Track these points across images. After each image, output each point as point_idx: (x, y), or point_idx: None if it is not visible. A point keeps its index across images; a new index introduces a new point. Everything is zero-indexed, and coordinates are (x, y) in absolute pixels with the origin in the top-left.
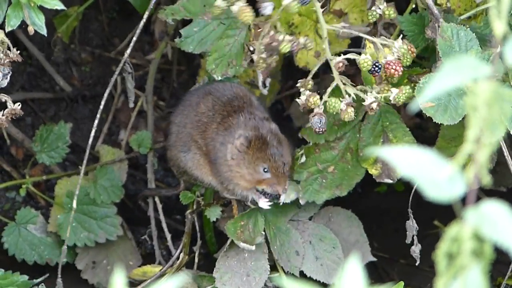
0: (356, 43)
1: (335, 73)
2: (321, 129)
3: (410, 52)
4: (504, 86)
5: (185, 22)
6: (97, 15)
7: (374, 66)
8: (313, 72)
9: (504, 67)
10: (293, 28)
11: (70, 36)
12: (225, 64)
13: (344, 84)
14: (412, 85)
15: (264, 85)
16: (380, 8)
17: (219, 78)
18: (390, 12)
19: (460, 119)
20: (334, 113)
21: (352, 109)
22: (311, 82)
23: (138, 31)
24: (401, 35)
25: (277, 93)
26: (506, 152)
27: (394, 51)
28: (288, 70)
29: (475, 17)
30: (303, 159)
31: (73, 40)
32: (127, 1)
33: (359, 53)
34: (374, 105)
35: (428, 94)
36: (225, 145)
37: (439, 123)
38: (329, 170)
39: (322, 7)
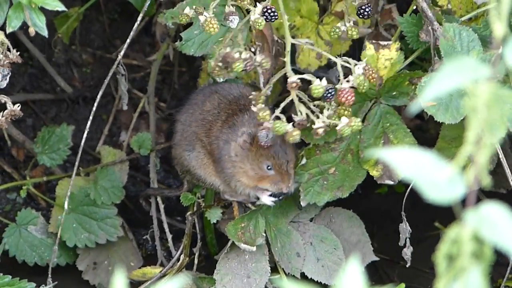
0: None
1: (292, 91)
2: (266, 144)
3: (369, 78)
4: (504, 87)
5: (186, 24)
6: (98, 16)
7: (326, 92)
8: (269, 85)
9: (505, 68)
10: (294, 30)
11: (70, 37)
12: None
13: (299, 100)
14: (413, 87)
15: (267, 86)
16: (345, 26)
17: (221, 80)
18: (353, 32)
19: (462, 118)
20: (280, 133)
21: (298, 132)
22: (263, 96)
23: (133, 32)
24: (396, 40)
25: (278, 94)
26: (501, 154)
27: (350, 79)
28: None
29: (476, 18)
30: (304, 160)
31: (74, 41)
32: (128, 2)
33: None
34: (320, 131)
35: (428, 95)
36: (229, 142)
37: (440, 124)
38: (330, 171)
39: (323, 9)
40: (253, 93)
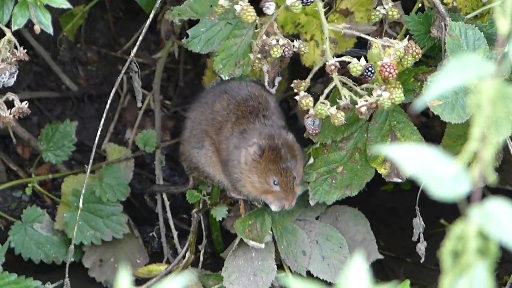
0: (364, 42)
1: (334, 75)
2: (314, 131)
3: (413, 53)
4: (510, 85)
5: (192, 22)
6: (103, 14)
7: (366, 70)
8: (312, 73)
9: (511, 66)
10: (299, 28)
11: (76, 35)
12: (233, 64)
13: (344, 84)
14: (419, 84)
15: (273, 84)
16: (384, 8)
17: (227, 78)
18: (394, 13)
19: (468, 117)
20: (323, 118)
21: (342, 113)
22: (304, 84)
23: (144, 30)
24: (408, 36)
25: (284, 91)
26: (511, 150)
27: (391, 53)
28: (295, 69)
29: (481, 16)
30: (311, 160)
31: (79, 39)
32: (133, 0)
33: (358, 56)
34: (363, 109)
35: (433, 92)
36: (239, 149)
37: (445, 121)
38: (338, 170)
39: (328, 6)
40: (294, 81)
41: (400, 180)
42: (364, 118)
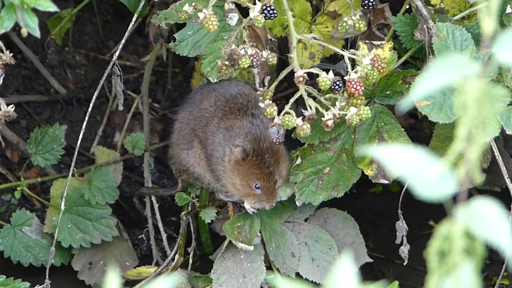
0: (352, 44)
1: (300, 86)
2: (278, 140)
3: (379, 67)
4: (498, 86)
5: (179, 25)
6: (91, 17)
7: (334, 84)
8: (276, 81)
9: (497, 67)
10: (287, 30)
11: (63, 38)
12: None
13: (309, 95)
14: (407, 86)
15: (263, 85)
16: (352, 20)
17: (215, 80)
18: (361, 25)
19: (456, 118)
20: (289, 128)
21: (308, 125)
22: (270, 92)
23: (127, 33)
24: (389, 39)
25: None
26: (496, 152)
27: (359, 69)
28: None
29: (468, 17)
30: (299, 161)
31: (67, 42)
32: (121, 3)
33: (327, 70)
34: (330, 123)
35: (419, 92)
36: (224, 146)
37: (434, 123)
38: (325, 171)
39: (316, 8)
40: (261, 89)
41: (387, 182)
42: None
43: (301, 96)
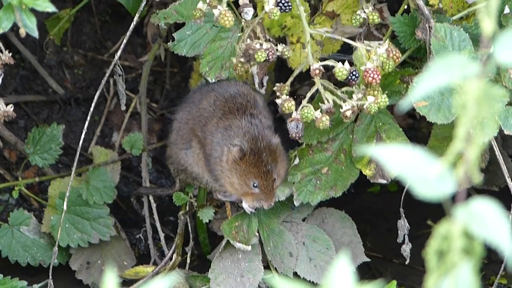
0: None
1: (316, 79)
2: (298, 135)
3: (394, 57)
4: (496, 86)
5: (178, 25)
6: (89, 17)
7: (350, 74)
8: (293, 76)
9: (496, 67)
10: (285, 31)
11: (62, 38)
12: (219, 66)
13: (325, 88)
14: (405, 86)
15: (262, 85)
16: (365, 12)
17: (213, 80)
18: (374, 17)
19: (454, 118)
20: (309, 121)
21: (327, 117)
22: (287, 87)
23: (128, 33)
24: (387, 39)
25: (270, 94)
26: (497, 151)
27: (374, 59)
28: (282, 71)
29: (467, 17)
30: (297, 160)
31: (66, 43)
32: (119, 3)
33: (342, 60)
34: (349, 113)
35: (418, 93)
36: (222, 146)
37: (432, 123)
38: (323, 171)
39: (314, 8)
40: (277, 84)
41: (385, 181)
42: (348, 121)
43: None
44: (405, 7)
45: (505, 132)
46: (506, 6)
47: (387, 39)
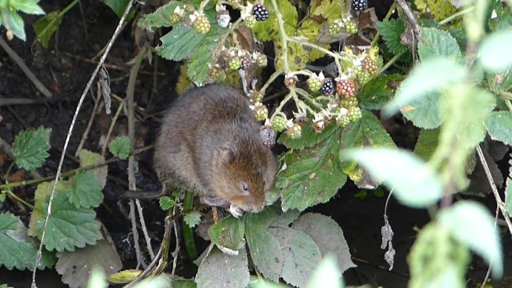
0: (337, 48)
1: (291, 88)
2: (269, 143)
3: (369, 69)
4: (483, 91)
5: (165, 29)
6: (77, 20)
7: (324, 86)
8: (267, 84)
9: (483, 72)
10: (273, 35)
11: (49, 41)
12: (206, 70)
13: (300, 97)
14: (392, 91)
15: (250, 88)
16: (342, 22)
17: (201, 84)
18: (352, 27)
19: (440, 123)
20: (280, 130)
21: (299, 127)
22: (261, 95)
23: (114, 36)
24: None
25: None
26: (482, 157)
27: (349, 71)
28: (268, 75)
29: (454, 22)
30: (284, 166)
31: (53, 45)
32: (107, 6)
33: (317, 72)
34: (320, 124)
35: (404, 97)
36: (211, 149)
37: (419, 128)
38: (311, 177)
39: (302, 13)
40: (251, 91)
41: (372, 187)
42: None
43: (289, 100)
44: (393, 11)
45: (492, 138)
46: (494, 11)
47: (375, 44)
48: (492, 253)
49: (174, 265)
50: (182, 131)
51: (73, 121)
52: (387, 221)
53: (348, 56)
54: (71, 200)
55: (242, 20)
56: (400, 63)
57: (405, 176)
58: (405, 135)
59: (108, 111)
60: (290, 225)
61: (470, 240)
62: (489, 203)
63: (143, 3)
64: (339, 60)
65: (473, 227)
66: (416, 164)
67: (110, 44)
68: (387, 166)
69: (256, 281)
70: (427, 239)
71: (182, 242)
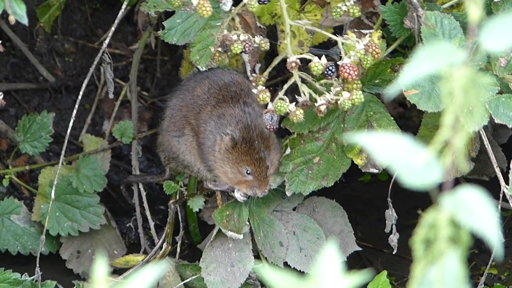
0: (341, 32)
1: (294, 71)
2: (272, 127)
3: (373, 53)
4: (486, 74)
5: (168, 13)
6: (80, 5)
7: (327, 69)
8: (270, 68)
9: (487, 55)
10: (276, 18)
11: (52, 26)
12: (209, 54)
13: (303, 81)
14: (396, 74)
15: (254, 72)
16: (346, 5)
17: (204, 68)
18: (355, 10)
19: (444, 107)
20: (282, 114)
21: (301, 111)
22: (263, 78)
23: (117, 21)
24: (378, 28)
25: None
26: (485, 140)
27: (352, 54)
28: (272, 60)
29: (457, 5)
30: (288, 150)
31: (56, 30)
32: None
33: (320, 55)
34: (323, 108)
35: (406, 79)
36: (214, 134)
37: (422, 112)
38: (315, 161)
39: None
40: (253, 74)
41: (376, 171)
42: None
43: (293, 84)
44: None
45: (496, 121)
46: None
47: (378, 28)
48: (493, 237)
49: (178, 250)
50: (186, 115)
51: (76, 106)
52: (391, 205)
53: (351, 40)
54: (74, 184)
55: (245, 4)
56: (404, 47)
57: (406, 160)
58: (409, 118)
59: (111, 96)
60: (294, 209)
61: (471, 224)
62: (493, 186)
63: None
64: (342, 43)
65: (474, 210)
66: (417, 148)
67: (113, 29)
68: (388, 150)
69: (260, 265)
70: (429, 222)
71: (186, 227)
